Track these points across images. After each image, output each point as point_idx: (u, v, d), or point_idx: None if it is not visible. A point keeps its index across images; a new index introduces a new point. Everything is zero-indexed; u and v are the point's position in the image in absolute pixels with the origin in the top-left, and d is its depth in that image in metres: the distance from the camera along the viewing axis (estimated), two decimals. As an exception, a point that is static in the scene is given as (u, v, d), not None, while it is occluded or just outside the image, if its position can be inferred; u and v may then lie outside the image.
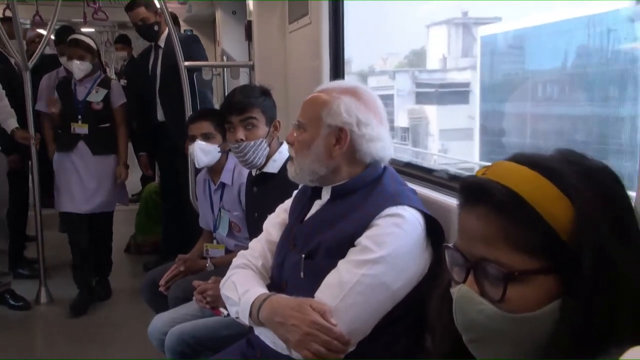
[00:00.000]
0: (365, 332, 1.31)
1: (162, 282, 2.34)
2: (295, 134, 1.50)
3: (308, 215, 1.53)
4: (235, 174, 2.43)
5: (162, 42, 3.76)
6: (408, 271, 1.32)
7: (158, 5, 3.52)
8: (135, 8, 3.67)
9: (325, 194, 1.50)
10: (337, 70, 2.64)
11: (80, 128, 3.49)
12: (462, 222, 0.79)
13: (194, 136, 2.45)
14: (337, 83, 1.57)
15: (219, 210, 2.48)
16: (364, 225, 1.35)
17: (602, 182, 0.73)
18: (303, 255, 1.43)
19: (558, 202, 0.72)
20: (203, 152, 2.44)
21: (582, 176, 0.73)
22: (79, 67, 3.45)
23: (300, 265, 1.43)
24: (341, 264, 1.33)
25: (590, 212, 0.70)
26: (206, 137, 2.44)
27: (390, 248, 1.30)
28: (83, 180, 3.53)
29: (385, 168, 1.49)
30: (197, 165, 2.55)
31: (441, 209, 1.51)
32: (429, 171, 1.85)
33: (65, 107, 3.51)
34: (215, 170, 2.49)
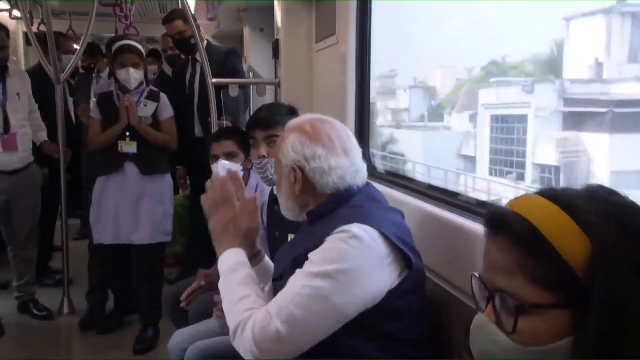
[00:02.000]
0: (311, 340, 1.31)
1: (183, 297, 2.35)
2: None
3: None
4: (258, 192, 2.45)
5: (199, 56, 3.79)
6: (355, 288, 1.31)
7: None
8: (172, 21, 3.72)
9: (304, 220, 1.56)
10: (363, 90, 2.65)
11: (129, 146, 3.14)
12: (485, 251, 0.80)
13: (217, 155, 2.48)
14: (298, 119, 1.59)
15: None
16: (319, 243, 1.36)
17: (628, 221, 0.72)
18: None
19: (576, 239, 0.71)
20: (227, 171, 2.47)
21: (605, 214, 0.72)
22: (134, 76, 3.15)
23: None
24: (292, 277, 1.36)
25: (608, 251, 0.70)
26: (229, 156, 2.49)
27: (336, 264, 1.30)
28: (132, 206, 3.15)
29: (361, 189, 1.50)
30: None
31: (465, 234, 1.50)
32: (455, 195, 1.84)
33: (110, 123, 3.15)
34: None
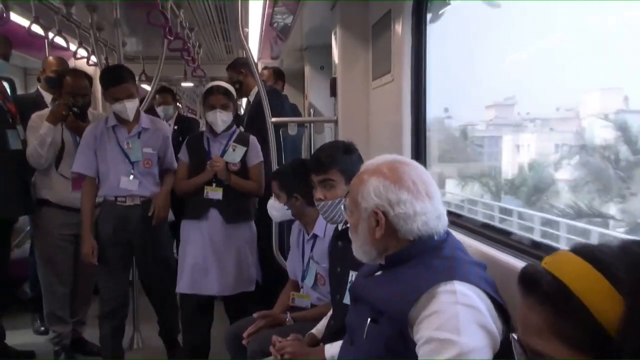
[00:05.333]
0: None
1: (245, 334, 2.40)
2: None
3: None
4: (328, 226, 2.45)
5: (252, 97, 3.96)
6: (484, 347, 1.26)
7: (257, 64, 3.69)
8: (228, 69, 3.99)
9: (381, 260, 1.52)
10: (419, 127, 2.65)
11: (215, 193, 3.04)
12: (519, 311, 0.78)
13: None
14: (376, 160, 1.55)
15: (309, 260, 2.53)
16: (413, 299, 1.32)
17: None
18: (369, 319, 1.43)
19: (608, 297, 0.70)
20: (274, 208, 2.64)
21: (638, 271, 0.70)
22: (222, 119, 3.04)
23: (365, 327, 1.44)
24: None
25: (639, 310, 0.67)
26: (275, 196, 2.62)
27: (463, 330, 1.24)
28: (215, 254, 3.04)
29: (445, 237, 1.46)
30: (274, 220, 2.68)
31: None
32: (508, 234, 1.79)
33: (197, 167, 3.07)
34: (308, 221, 2.55)
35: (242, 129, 3.64)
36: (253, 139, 3.17)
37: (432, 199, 1.44)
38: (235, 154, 3.07)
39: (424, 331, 1.28)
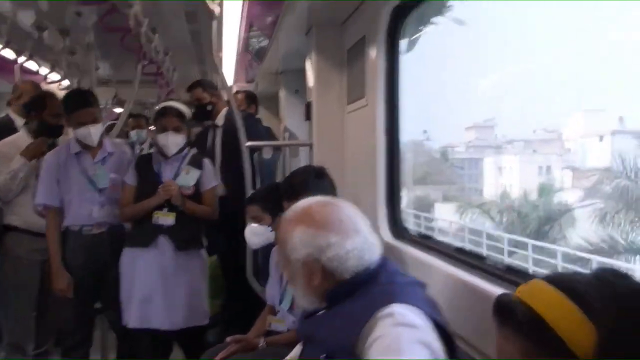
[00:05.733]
0: None
1: (217, 359, 2.36)
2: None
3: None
4: None
5: (220, 121, 3.89)
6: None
7: (221, 86, 3.66)
8: (193, 89, 3.90)
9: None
10: (393, 151, 2.67)
11: (166, 218, 2.87)
12: (496, 341, 0.78)
13: (248, 220, 2.56)
14: (297, 206, 1.53)
15: (286, 283, 2.51)
16: (358, 331, 1.32)
17: (634, 307, 0.70)
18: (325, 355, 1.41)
19: (582, 327, 0.70)
20: (254, 234, 2.55)
21: (611, 300, 0.71)
22: (175, 142, 2.90)
23: None
24: None
25: (612, 339, 0.68)
26: (255, 220, 2.54)
27: (405, 349, 1.23)
28: (165, 285, 2.85)
29: (380, 264, 1.46)
30: (251, 247, 2.61)
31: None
32: (481, 259, 1.80)
33: (145, 191, 2.90)
34: None
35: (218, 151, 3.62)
36: (207, 161, 3.06)
37: (360, 232, 1.44)
38: (189, 177, 2.92)
39: (372, 357, 1.28)
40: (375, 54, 2.67)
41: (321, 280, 1.43)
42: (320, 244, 1.41)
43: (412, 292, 1.39)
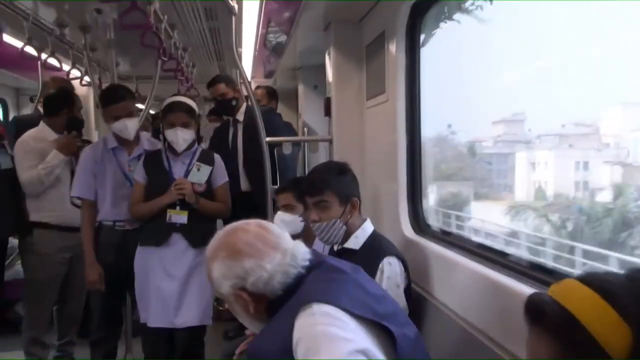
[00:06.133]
0: None
1: (237, 351, 2.37)
2: None
3: None
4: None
5: (240, 116, 3.92)
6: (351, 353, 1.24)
7: (242, 81, 3.66)
8: (215, 84, 3.91)
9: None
10: (414, 146, 2.65)
11: (179, 216, 2.83)
12: (527, 340, 0.77)
13: (278, 207, 2.58)
14: (210, 244, 1.52)
15: None
16: (289, 336, 1.31)
17: None
18: None
19: (616, 327, 0.69)
20: (284, 223, 2.55)
21: None
22: (183, 137, 2.82)
23: None
24: None
25: None
26: (287, 208, 2.57)
27: (324, 346, 1.23)
28: (178, 283, 2.82)
29: (311, 266, 1.45)
30: None
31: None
32: (505, 255, 1.78)
33: (156, 188, 2.85)
34: (307, 239, 2.53)
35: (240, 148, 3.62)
36: (218, 157, 2.99)
37: (277, 248, 1.44)
38: (200, 174, 2.87)
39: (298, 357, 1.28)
40: (395, 50, 2.66)
41: (255, 305, 1.43)
42: (238, 273, 1.41)
43: (335, 287, 1.39)
